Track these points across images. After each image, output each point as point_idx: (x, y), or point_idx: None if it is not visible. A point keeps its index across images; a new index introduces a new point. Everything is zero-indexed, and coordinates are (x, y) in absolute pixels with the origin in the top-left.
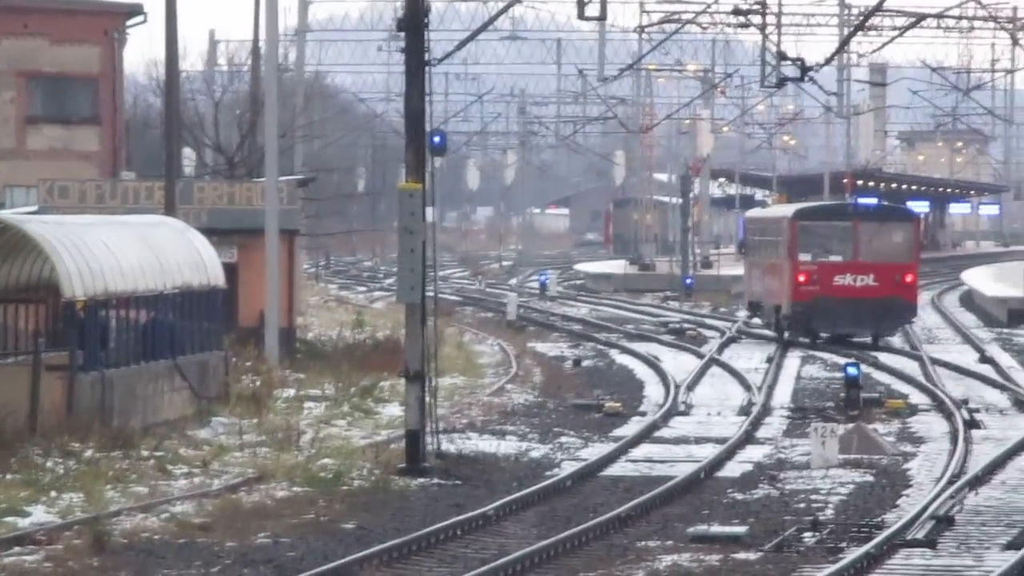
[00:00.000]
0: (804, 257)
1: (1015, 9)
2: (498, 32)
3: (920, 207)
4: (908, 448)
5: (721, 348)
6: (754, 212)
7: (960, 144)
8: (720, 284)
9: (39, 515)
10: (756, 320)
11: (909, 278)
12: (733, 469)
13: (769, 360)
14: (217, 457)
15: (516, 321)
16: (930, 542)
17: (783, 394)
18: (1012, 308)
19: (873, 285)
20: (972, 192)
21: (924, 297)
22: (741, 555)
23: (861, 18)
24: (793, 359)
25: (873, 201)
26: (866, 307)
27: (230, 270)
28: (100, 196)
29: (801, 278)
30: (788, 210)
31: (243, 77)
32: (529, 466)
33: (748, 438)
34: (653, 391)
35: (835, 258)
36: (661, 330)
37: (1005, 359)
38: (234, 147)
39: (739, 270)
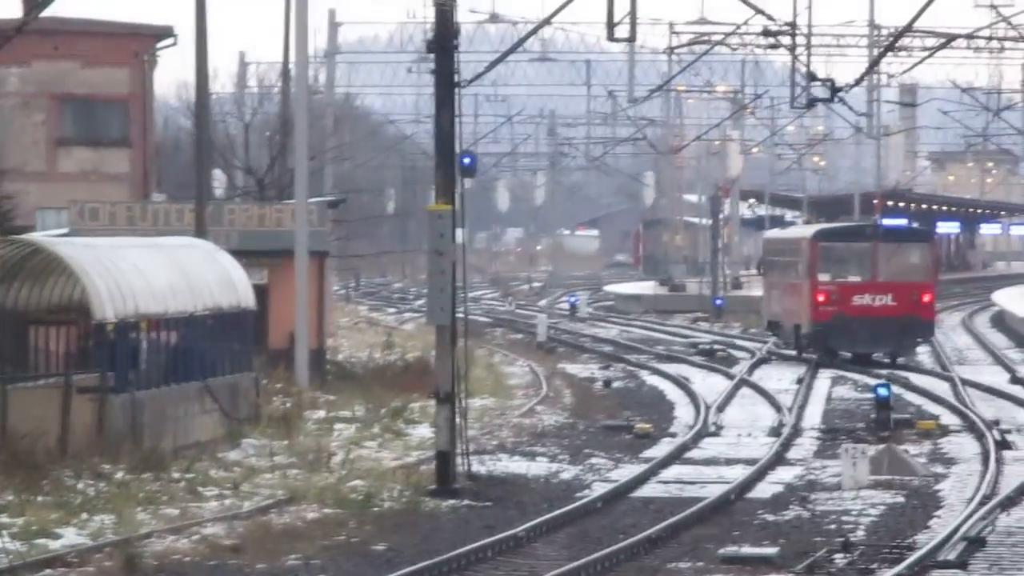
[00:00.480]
0: (823, 277)
1: None
2: (528, 53)
3: (950, 228)
4: (939, 469)
5: (751, 369)
6: (773, 232)
7: (990, 164)
8: (750, 305)
9: (70, 537)
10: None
11: (927, 298)
12: (764, 490)
13: (799, 381)
14: (248, 479)
15: (546, 342)
16: (962, 563)
17: (814, 415)
18: None
19: (891, 305)
20: (1003, 212)
21: (955, 318)
22: None
23: (891, 39)
24: (823, 380)
25: (892, 222)
26: (884, 326)
27: (260, 292)
28: (131, 218)
29: (820, 298)
30: (808, 231)
31: (273, 99)
32: (559, 487)
33: (779, 459)
34: (683, 412)
35: (854, 278)
36: (691, 351)
37: None
38: (264, 169)
39: None
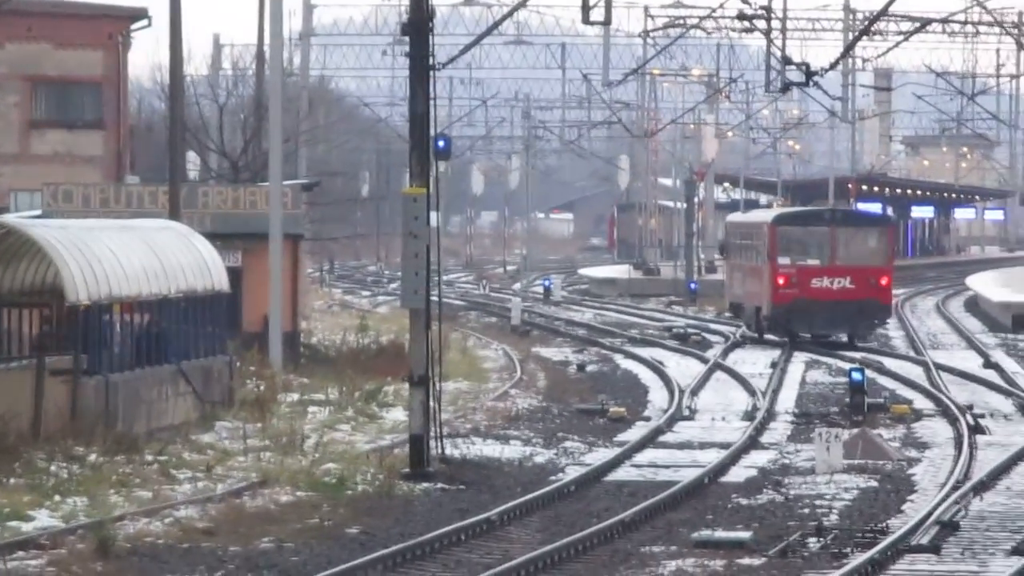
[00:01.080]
0: (783, 261)
1: (1020, 14)
2: (503, 36)
3: (925, 212)
4: (913, 453)
5: (725, 353)
6: (735, 216)
7: (965, 149)
8: (724, 289)
9: (43, 520)
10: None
11: (884, 281)
12: (737, 474)
13: (773, 365)
14: (221, 462)
15: (520, 326)
16: (935, 548)
17: (788, 399)
18: (1017, 313)
19: (850, 288)
20: (977, 197)
21: (929, 302)
22: (745, 560)
23: (866, 23)
24: (798, 364)
25: (849, 207)
26: (843, 309)
27: (234, 274)
28: (104, 200)
29: (780, 281)
30: (768, 215)
31: (248, 81)
32: (533, 471)
33: (752, 443)
34: (657, 396)
35: (813, 262)
36: (665, 335)
37: (1010, 364)
38: (238, 151)
39: None
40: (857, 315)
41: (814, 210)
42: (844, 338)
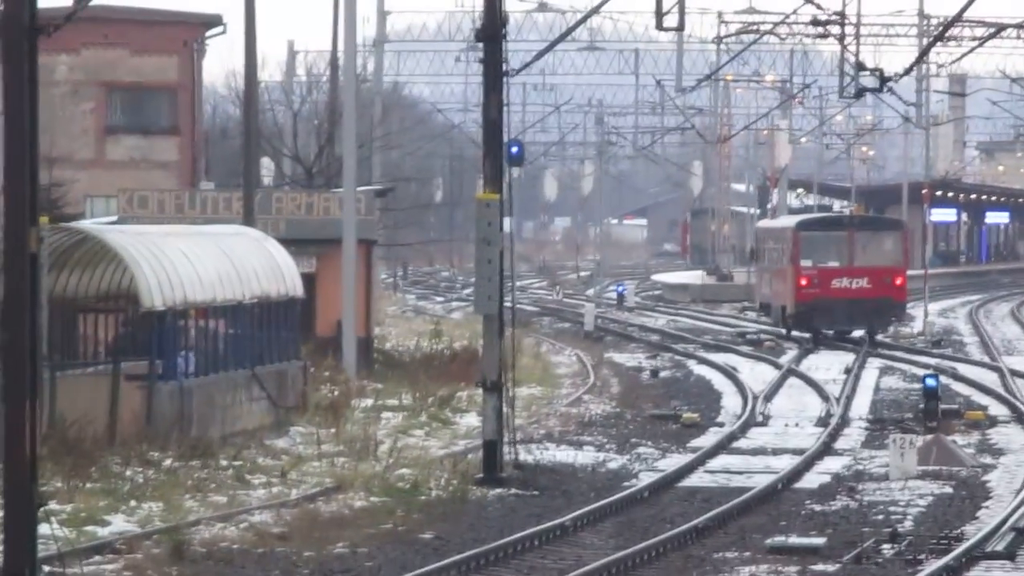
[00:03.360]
0: (806, 263)
1: None
2: (576, 43)
3: (1000, 218)
4: (987, 460)
5: (799, 359)
6: (763, 223)
7: None
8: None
9: (119, 524)
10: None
11: (899, 281)
12: (811, 480)
13: (847, 371)
14: (295, 467)
15: (594, 332)
16: (1010, 554)
17: (861, 405)
18: None
19: (867, 287)
20: None
21: (1004, 308)
22: (819, 567)
23: (940, 28)
24: (871, 370)
25: (866, 213)
26: (861, 307)
27: (308, 280)
28: (179, 206)
29: (803, 281)
30: (792, 221)
31: (322, 87)
32: (606, 477)
33: (826, 449)
34: (730, 402)
35: (833, 263)
36: (738, 341)
37: None
38: (312, 157)
39: None
40: (874, 312)
41: (834, 216)
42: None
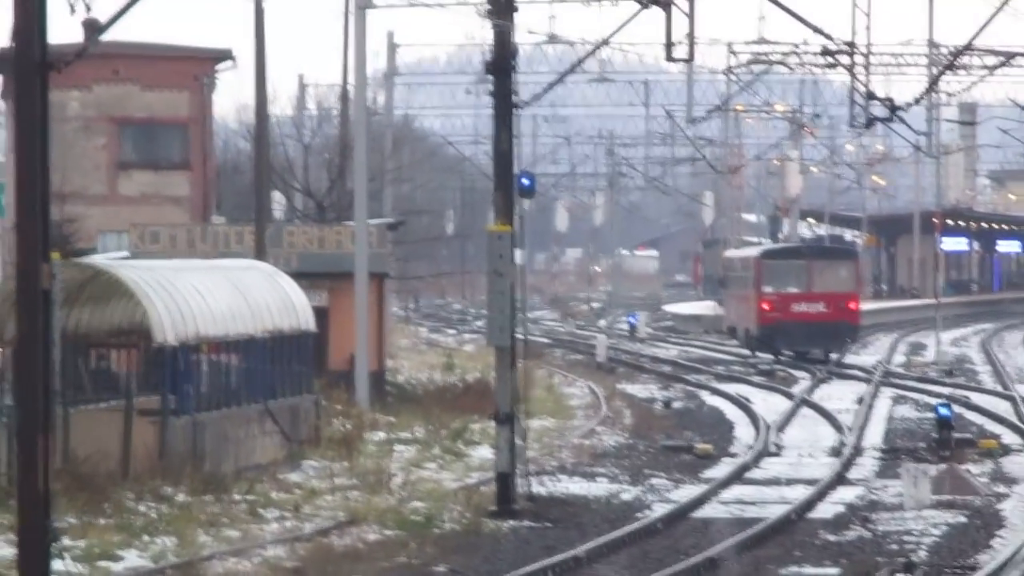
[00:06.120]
0: (767, 289)
1: None
2: (586, 74)
3: (1011, 246)
4: (1001, 489)
5: (811, 389)
6: (730, 253)
7: None
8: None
9: (132, 559)
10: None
11: (852, 305)
12: (825, 510)
13: (860, 401)
14: (309, 501)
15: (606, 363)
16: None
17: (874, 435)
18: None
19: (824, 311)
20: None
21: (1016, 336)
22: None
23: (950, 57)
24: (884, 400)
25: (822, 243)
26: (818, 329)
27: (320, 314)
28: (191, 241)
29: (765, 306)
30: (756, 251)
31: (332, 121)
32: (620, 508)
33: (839, 479)
34: (743, 432)
35: (792, 289)
36: (751, 371)
37: None
38: (324, 191)
39: None
40: (830, 334)
41: (792, 246)
42: (820, 353)
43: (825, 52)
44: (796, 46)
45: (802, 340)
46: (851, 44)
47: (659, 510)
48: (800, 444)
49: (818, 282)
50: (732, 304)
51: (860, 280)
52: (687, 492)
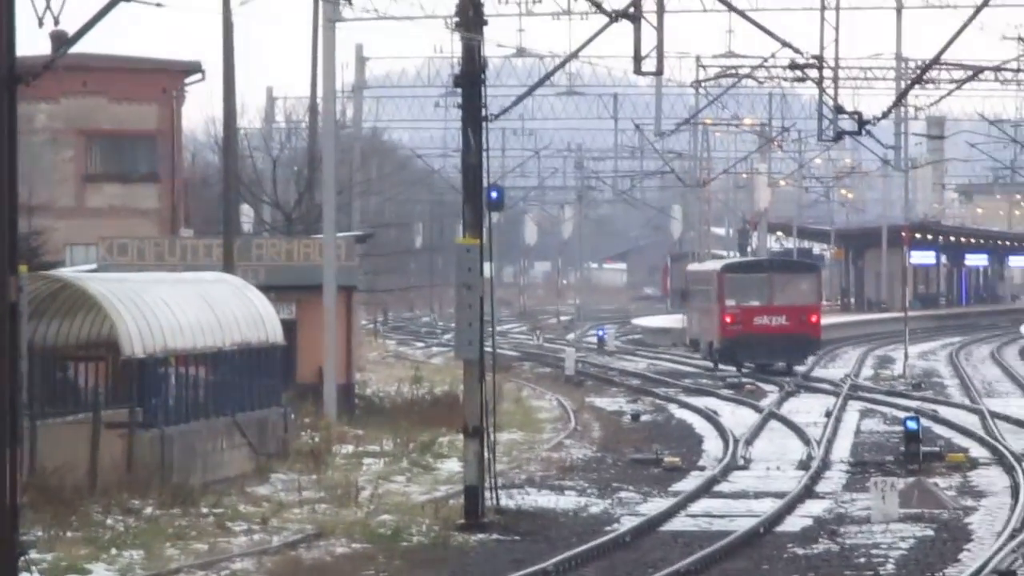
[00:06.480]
0: (730, 302)
1: None
2: (555, 87)
3: (979, 260)
4: (969, 502)
5: (780, 402)
6: (693, 266)
7: (1019, 197)
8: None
9: (100, 573)
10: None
11: (814, 318)
12: (793, 524)
13: (828, 414)
14: (277, 514)
15: (574, 376)
16: None
17: (842, 448)
18: None
19: (785, 324)
20: None
21: (984, 350)
22: None
23: (918, 72)
24: (852, 413)
25: (784, 257)
26: (780, 342)
27: (289, 326)
28: (159, 253)
29: (728, 319)
30: (718, 265)
31: (301, 134)
32: (588, 521)
33: (808, 492)
34: (712, 445)
35: (754, 302)
36: (719, 384)
37: None
38: (292, 204)
39: None
40: (792, 346)
41: (754, 260)
42: (782, 365)
43: (794, 66)
44: (765, 60)
45: (764, 353)
46: (819, 58)
47: (627, 523)
48: (768, 457)
49: (780, 295)
50: (695, 317)
51: (820, 293)
52: (655, 505)
